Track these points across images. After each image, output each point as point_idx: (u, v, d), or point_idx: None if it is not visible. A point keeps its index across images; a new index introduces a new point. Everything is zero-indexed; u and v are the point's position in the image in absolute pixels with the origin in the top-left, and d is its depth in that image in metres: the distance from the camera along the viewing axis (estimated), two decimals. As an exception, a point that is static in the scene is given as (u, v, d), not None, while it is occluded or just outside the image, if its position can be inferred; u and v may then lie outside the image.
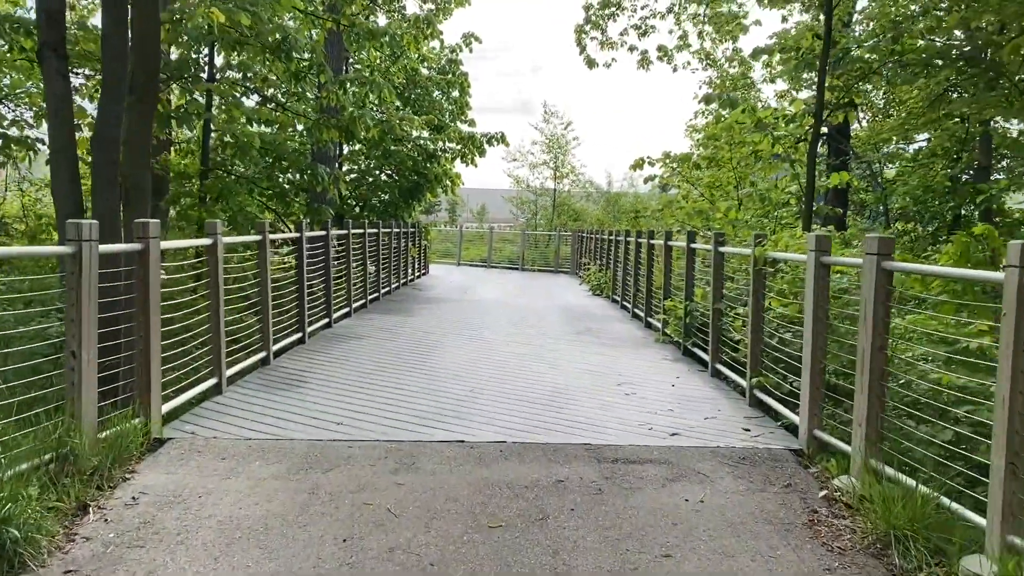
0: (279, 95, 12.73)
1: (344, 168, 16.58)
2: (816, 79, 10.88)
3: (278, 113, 11.90)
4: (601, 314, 12.91)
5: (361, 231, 12.63)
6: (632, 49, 17.71)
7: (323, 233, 10.35)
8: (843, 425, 4.55)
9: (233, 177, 11.69)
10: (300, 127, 12.49)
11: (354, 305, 11.79)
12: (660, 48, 18.00)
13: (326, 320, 10.14)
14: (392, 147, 16.30)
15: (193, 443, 4.73)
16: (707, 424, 5.56)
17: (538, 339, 9.75)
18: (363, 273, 12.60)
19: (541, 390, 6.59)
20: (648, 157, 14.15)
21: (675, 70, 24.64)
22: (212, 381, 5.94)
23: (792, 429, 5.20)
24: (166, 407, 5.07)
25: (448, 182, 18.68)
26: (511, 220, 34.01)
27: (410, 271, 18.19)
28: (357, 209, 16.93)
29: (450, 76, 17.98)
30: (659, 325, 10.22)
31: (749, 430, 5.39)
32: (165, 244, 5.39)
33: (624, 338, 10.22)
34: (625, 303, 13.64)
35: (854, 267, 4.85)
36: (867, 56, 11.25)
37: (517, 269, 25.23)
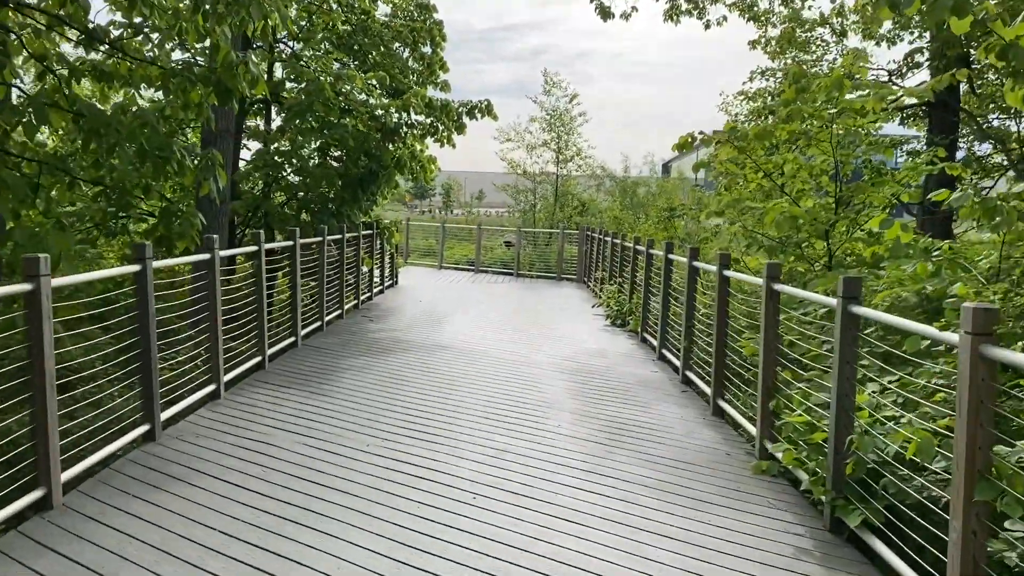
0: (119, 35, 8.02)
1: (261, 149, 11.84)
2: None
3: (113, 60, 7.27)
4: (635, 376, 8.31)
5: (255, 248, 7.99)
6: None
7: (192, 259, 5.72)
8: None
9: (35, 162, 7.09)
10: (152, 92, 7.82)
11: (226, 378, 7.17)
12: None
13: (147, 426, 5.50)
14: (332, 119, 11.63)
15: None
16: None
17: (539, 471, 5.13)
18: (258, 318, 7.98)
19: None
20: (701, 132, 9.48)
21: (707, 26, 19.81)
22: None
23: None
24: None
25: (416, 167, 14.02)
26: (511, 206, 29.12)
27: (361, 289, 13.58)
28: (295, 211, 12.24)
29: (418, 24, 13.24)
30: (742, 419, 5.58)
31: None
32: None
33: (698, 459, 5.56)
34: (667, 350, 9.07)
35: None
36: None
37: (511, 274, 20.59)
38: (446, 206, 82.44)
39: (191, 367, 6.71)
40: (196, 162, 7.38)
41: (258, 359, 7.94)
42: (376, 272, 15.39)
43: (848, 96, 8.45)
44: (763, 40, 18.28)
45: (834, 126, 8.59)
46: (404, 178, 14.68)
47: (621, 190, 24.26)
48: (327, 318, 10.77)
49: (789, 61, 17.86)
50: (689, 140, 9.47)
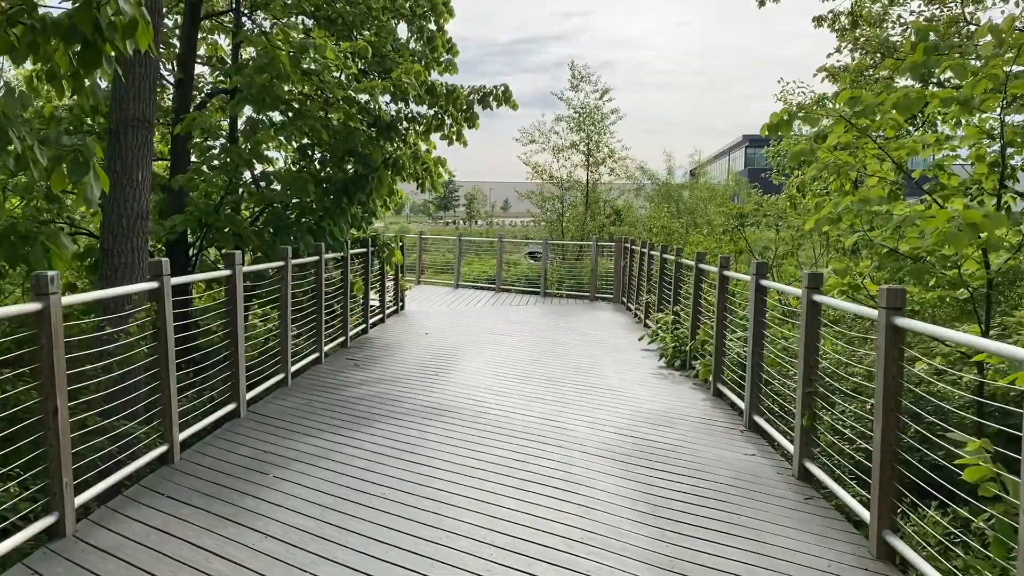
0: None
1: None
2: None
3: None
4: (723, 464, 5.53)
5: (154, 285, 5.37)
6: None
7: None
8: None
9: None
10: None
11: (82, 500, 4.54)
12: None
13: None
14: (306, 109, 9.05)
15: None
16: None
17: None
18: (162, 387, 5.36)
19: None
20: (798, 106, 6.73)
21: (762, 3, 17.06)
22: None
23: None
24: None
25: (420, 170, 11.43)
26: (536, 216, 26.32)
27: (354, 321, 10.99)
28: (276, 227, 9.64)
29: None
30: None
31: None
32: None
33: None
34: (760, 416, 6.31)
35: None
36: None
37: (537, 293, 17.87)
38: (469, 217, 79.90)
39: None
40: (70, 157, 4.83)
41: (162, 449, 5.33)
42: (376, 297, 12.80)
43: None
44: (831, 17, 15.49)
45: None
46: (408, 183, 12.06)
47: (665, 195, 21.27)
48: (294, 368, 8.15)
49: (861, 39, 15.03)
50: (784, 117, 6.74)
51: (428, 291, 18.33)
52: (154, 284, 5.28)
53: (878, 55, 12.21)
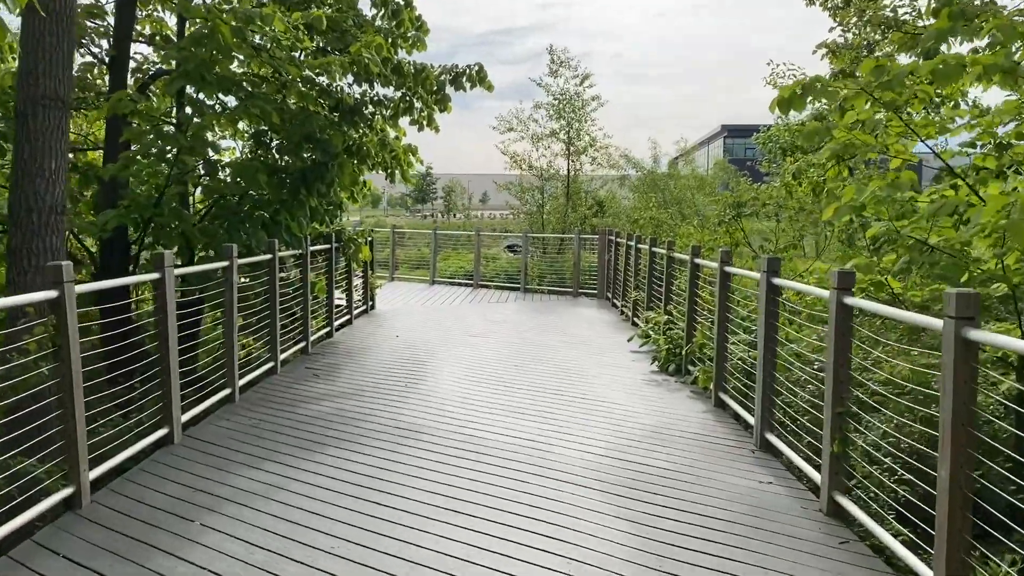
0: None
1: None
2: None
3: None
4: (734, 493, 4.70)
5: (52, 295, 4.44)
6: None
7: None
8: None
9: None
10: None
11: (29, 514, 3.64)
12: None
13: None
14: (257, 91, 8.10)
15: None
16: None
17: None
18: (64, 417, 4.44)
19: None
20: (815, 77, 5.93)
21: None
22: None
23: None
24: None
25: (389, 159, 10.52)
26: (516, 207, 25.37)
27: (316, 324, 10.07)
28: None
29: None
30: None
31: None
32: None
33: None
34: (773, 434, 5.50)
35: None
36: None
37: (517, 289, 17.00)
38: (448, 210, 78.52)
39: None
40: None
41: (67, 492, 4.40)
42: (342, 296, 11.89)
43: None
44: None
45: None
46: (376, 173, 11.12)
47: (651, 184, 20.38)
48: (243, 381, 7.22)
49: (855, 19, 14.27)
50: (798, 91, 5.94)
51: (402, 288, 17.40)
52: (52, 293, 4.35)
53: (880, 28, 11.44)
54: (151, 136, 7.19)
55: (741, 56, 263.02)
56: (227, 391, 6.88)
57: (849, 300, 4.35)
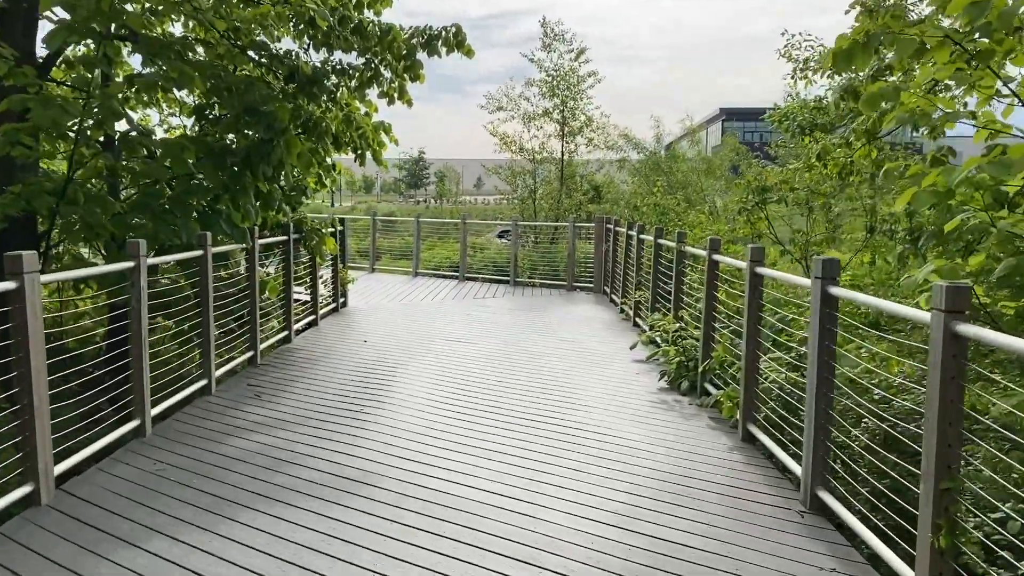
0: None
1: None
2: None
3: None
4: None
5: None
6: None
7: None
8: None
9: None
10: None
11: None
12: None
13: None
14: (194, 56, 6.66)
15: None
16: None
17: None
18: None
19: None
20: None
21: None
22: None
23: None
24: None
25: (357, 138, 9.11)
26: (507, 193, 23.92)
27: (269, 328, 8.68)
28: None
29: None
30: None
31: None
32: None
33: None
34: (827, 492, 4.15)
35: None
36: None
37: (507, 282, 15.61)
38: (440, 196, 76.74)
39: None
40: None
41: None
42: (304, 293, 10.51)
43: None
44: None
45: None
46: (347, 154, 9.69)
47: (654, 166, 18.87)
48: (158, 409, 5.84)
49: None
50: (861, 39, 4.60)
51: (382, 281, 15.99)
52: (11, 284, 3.11)
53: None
54: (37, 104, 5.73)
55: (732, 44, 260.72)
56: (135, 422, 5.51)
57: (963, 328, 2.99)
